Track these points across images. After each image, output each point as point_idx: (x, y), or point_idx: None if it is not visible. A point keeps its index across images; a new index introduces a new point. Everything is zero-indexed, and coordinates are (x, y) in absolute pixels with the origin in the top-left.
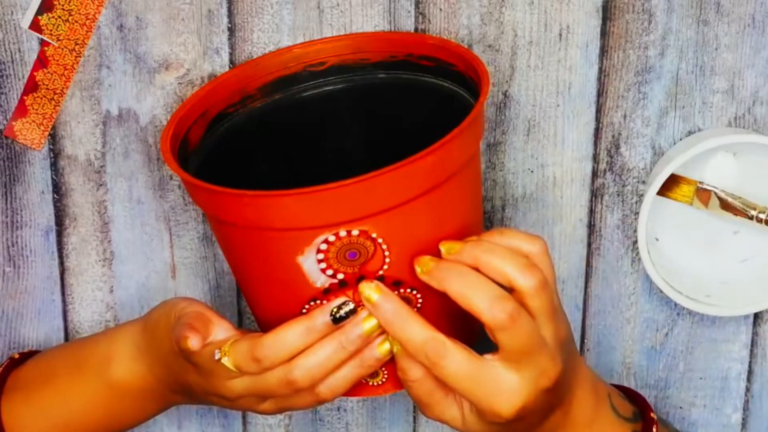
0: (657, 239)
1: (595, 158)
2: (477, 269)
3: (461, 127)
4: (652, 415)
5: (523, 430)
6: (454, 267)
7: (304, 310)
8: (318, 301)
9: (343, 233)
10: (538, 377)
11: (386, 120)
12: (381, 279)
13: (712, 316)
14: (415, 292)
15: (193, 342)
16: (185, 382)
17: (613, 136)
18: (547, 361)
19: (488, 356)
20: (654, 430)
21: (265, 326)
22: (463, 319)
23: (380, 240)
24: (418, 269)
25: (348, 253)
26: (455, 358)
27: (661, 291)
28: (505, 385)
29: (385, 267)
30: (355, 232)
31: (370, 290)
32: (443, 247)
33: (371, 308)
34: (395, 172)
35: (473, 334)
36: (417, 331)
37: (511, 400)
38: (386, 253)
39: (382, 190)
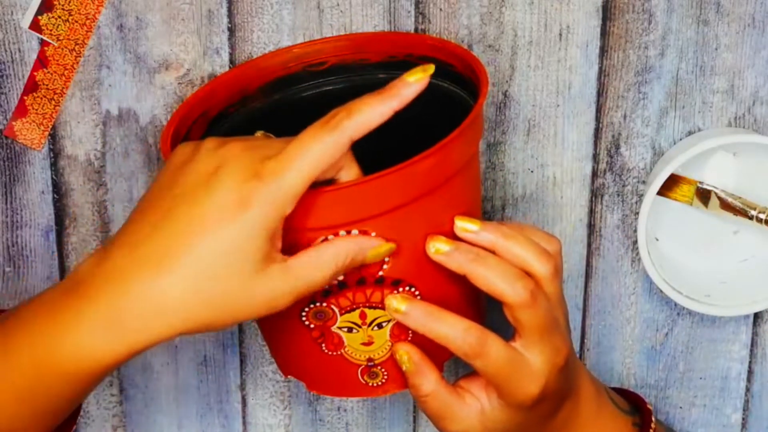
0: (657, 239)
1: (595, 158)
2: (493, 252)
3: (460, 129)
4: (648, 406)
5: (539, 421)
6: (473, 250)
7: (304, 314)
8: (317, 304)
9: (342, 233)
10: (554, 355)
11: (387, 120)
12: (381, 279)
13: (712, 316)
14: (413, 289)
15: None
16: None
17: (613, 136)
18: (559, 339)
19: (511, 343)
20: (653, 419)
21: (265, 330)
22: (461, 314)
23: (379, 239)
24: (432, 249)
25: None
26: (494, 344)
27: (661, 291)
28: (532, 367)
29: (385, 267)
30: (354, 233)
31: (397, 302)
32: (459, 224)
33: (403, 318)
34: (394, 175)
35: None
36: (456, 323)
37: (537, 381)
38: None
39: (382, 193)
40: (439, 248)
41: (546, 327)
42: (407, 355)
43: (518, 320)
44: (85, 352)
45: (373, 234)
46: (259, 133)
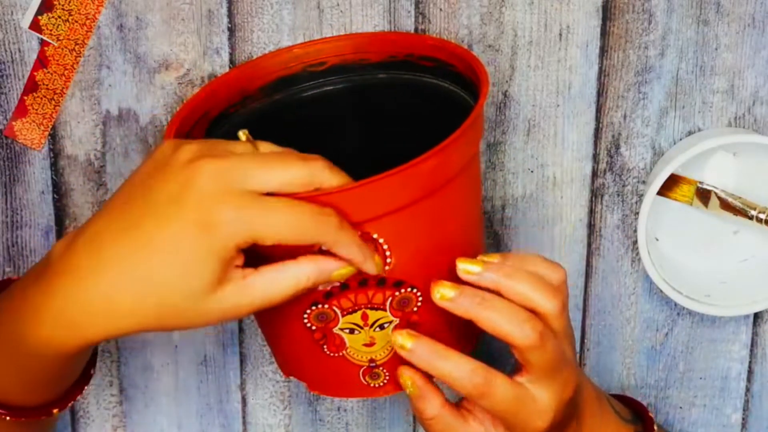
0: (657, 239)
1: (595, 158)
2: (498, 292)
3: (461, 130)
4: (650, 414)
5: None
6: (478, 294)
7: (306, 315)
8: (319, 305)
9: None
10: (563, 389)
11: (387, 120)
12: (383, 281)
13: (712, 316)
14: (415, 290)
15: None
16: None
17: (613, 136)
18: (567, 372)
19: (518, 378)
20: (655, 428)
21: (266, 331)
22: (464, 321)
23: (381, 240)
24: (437, 295)
25: None
26: (500, 384)
27: (661, 291)
28: (540, 403)
29: (387, 268)
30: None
31: (403, 338)
32: (461, 266)
33: (408, 355)
34: (396, 176)
35: (474, 336)
36: (461, 363)
37: (544, 416)
38: (387, 253)
39: (383, 195)
40: (444, 294)
41: (554, 364)
42: (411, 380)
43: (527, 360)
44: (47, 342)
45: (375, 236)
46: (242, 134)
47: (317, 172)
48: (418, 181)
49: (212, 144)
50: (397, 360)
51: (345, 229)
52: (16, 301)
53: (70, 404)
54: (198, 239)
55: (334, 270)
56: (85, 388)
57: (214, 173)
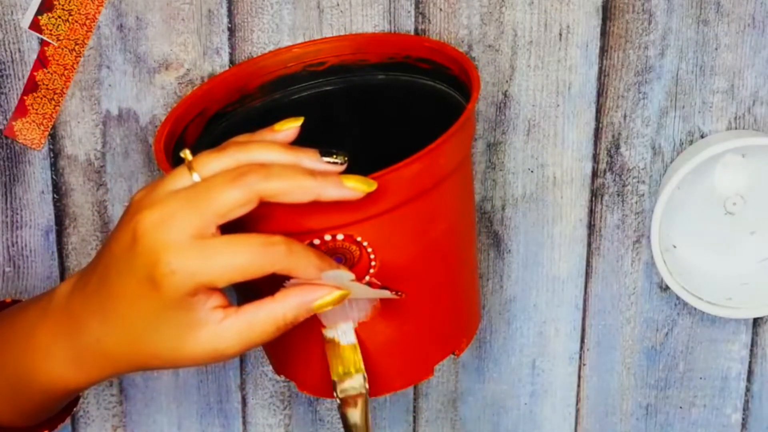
0: (675, 246)
1: (595, 158)
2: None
3: (447, 135)
4: None
5: None
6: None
7: None
8: None
9: (328, 237)
10: None
11: (385, 121)
12: (368, 285)
13: (738, 318)
14: (400, 294)
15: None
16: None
17: (613, 136)
18: None
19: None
20: None
21: None
22: (451, 325)
23: (365, 243)
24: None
25: (334, 257)
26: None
27: (661, 291)
28: None
29: (371, 271)
30: (339, 237)
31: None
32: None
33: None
34: (379, 180)
35: (462, 339)
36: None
37: None
38: (372, 256)
39: (367, 199)
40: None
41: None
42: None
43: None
44: (54, 379)
45: (359, 239)
46: (183, 155)
47: (257, 187)
48: (401, 185)
49: (154, 186)
50: (377, 362)
51: (296, 253)
52: (22, 341)
53: (59, 427)
54: (150, 294)
55: (316, 300)
56: (74, 409)
57: (151, 227)
